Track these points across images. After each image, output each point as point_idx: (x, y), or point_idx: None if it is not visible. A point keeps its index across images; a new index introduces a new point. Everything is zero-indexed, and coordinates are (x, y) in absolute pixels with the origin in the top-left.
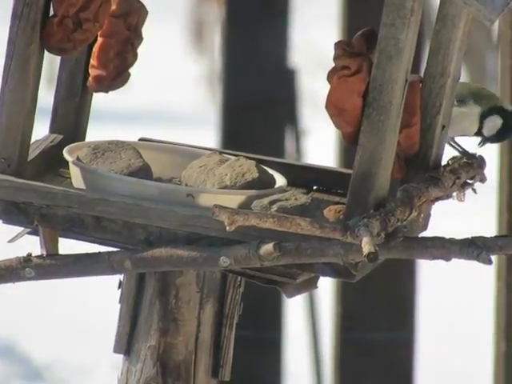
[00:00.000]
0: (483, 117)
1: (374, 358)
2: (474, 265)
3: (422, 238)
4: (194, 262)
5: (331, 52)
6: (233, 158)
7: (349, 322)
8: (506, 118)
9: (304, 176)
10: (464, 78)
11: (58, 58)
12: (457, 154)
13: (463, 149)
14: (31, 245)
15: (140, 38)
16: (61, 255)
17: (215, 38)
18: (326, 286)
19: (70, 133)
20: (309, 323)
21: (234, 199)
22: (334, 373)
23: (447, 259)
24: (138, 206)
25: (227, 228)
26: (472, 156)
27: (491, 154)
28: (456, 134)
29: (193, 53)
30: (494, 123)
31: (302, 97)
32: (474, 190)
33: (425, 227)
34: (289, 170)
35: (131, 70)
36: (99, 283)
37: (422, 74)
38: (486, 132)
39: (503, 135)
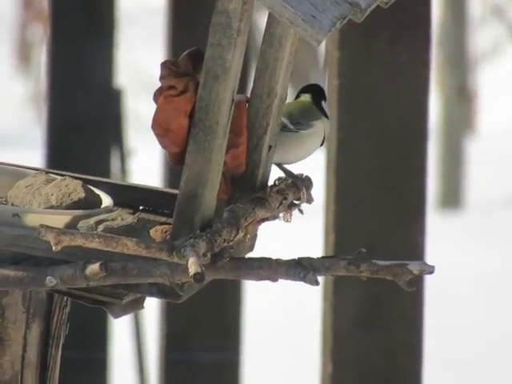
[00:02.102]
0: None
1: (200, 379)
2: (301, 285)
3: (249, 258)
4: (20, 282)
5: (156, 73)
6: (59, 177)
7: (175, 342)
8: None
9: (130, 196)
10: (290, 98)
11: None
12: (283, 174)
13: (289, 170)
14: None
15: None
16: None
17: (41, 59)
18: (153, 306)
19: None
20: (135, 344)
21: (60, 219)
22: None
23: (274, 280)
24: None
25: (53, 248)
26: (298, 177)
27: (318, 174)
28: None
29: (19, 73)
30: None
31: (128, 117)
32: (301, 211)
33: (251, 248)
34: (115, 190)
35: None
36: None
37: (248, 94)
38: None
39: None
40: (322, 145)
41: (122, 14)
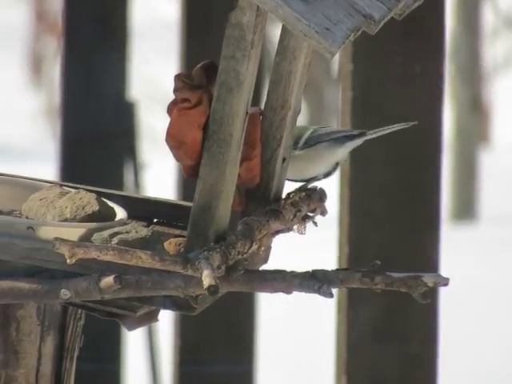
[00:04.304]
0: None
1: None
2: (315, 298)
3: (263, 271)
4: (35, 295)
5: (170, 85)
6: (73, 190)
7: (188, 354)
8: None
9: (144, 209)
10: (303, 110)
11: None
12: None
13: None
14: None
15: None
16: None
17: (54, 72)
18: (166, 319)
19: None
20: (149, 356)
21: (74, 232)
22: None
23: (288, 292)
24: None
25: (68, 261)
26: (312, 189)
27: (331, 187)
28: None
29: (31, 86)
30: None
31: (141, 130)
32: (315, 223)
33: (266, 260)
34: (129, 203)
35: None
36: None
37: (262, 107)
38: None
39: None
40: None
41: (136, 27)
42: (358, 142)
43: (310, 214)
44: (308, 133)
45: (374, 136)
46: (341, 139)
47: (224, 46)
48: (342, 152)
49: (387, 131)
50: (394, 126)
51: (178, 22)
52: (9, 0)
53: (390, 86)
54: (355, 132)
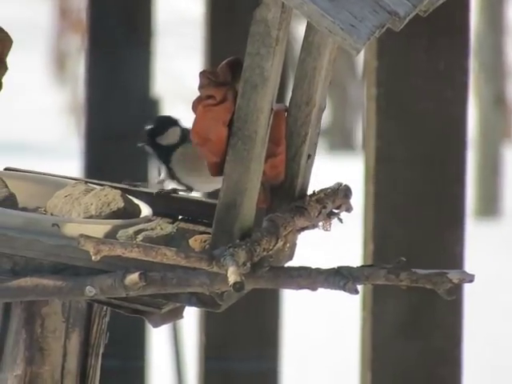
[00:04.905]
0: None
1: None
2: (339, 294)
3: (289, 267)
4: (60, 292)
5: (194, 82)
6: (98, 187)
7: (213, 351)
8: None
9: (169, 206)
10: (327, 107)
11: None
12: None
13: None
14: None
15: (5, 68)
16: None
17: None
18: (191, 315)
19: None
20: (173, 352)
21: (99, 229)
22: None
23: (313, 289)
24: (3, 236)
25: (93, 258)
26: (337, 186)
27: (356, 183)
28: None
29: (55, 84)
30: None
31: None
32: (340, 220)
33: (291, 257)
34: (154, 200)
35: None
36: None
37: (287, 103)
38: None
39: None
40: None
41: (160, 24)
42: None
43: (335, 211)
44: None
45: None
46: None
47: (249, 42)
48: None
49: None
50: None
51: (202, 19)
52: None
53: (415, 82)
54: None
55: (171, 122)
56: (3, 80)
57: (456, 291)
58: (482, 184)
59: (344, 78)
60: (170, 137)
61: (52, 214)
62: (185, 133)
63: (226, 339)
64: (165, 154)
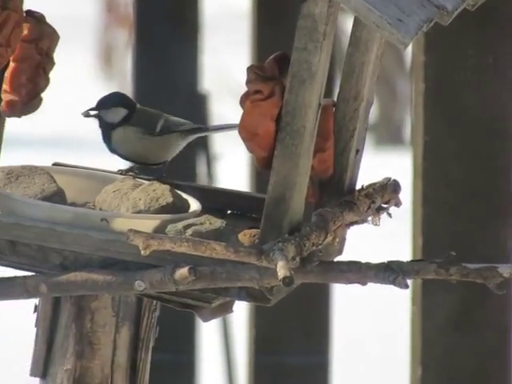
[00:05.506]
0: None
1: (288, 382)
2: (389, 289)
3: (338, 262)
4: (109, 287)
5: (241, 77)
6: (146, 182)
7: (263, 345)
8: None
9: (218, 200)
10: (375, 102)
11: None
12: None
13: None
14: None
15: (52, 63)
16: None
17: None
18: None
19: None
20: (223, 347)
21: (148, 224)
22: None
23: (363, 283)
24: (52, 231)
25: (142, 252)
26: (386, 180)
27: (405, 178)
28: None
29: (102, 78)
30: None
31: (213, 122)
32: (389, 215)
33: (340, 251)
34: (203, 195)
35: (43, 95)
36: (15, 307)
37: (335, 98)
38: (111, 119)
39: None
40: None
41: (207, 19)
42: (195, 136)
43: (384, 206)
44: (162, 120)
45: (213, 132)
46: (185, 132)
47: (296, 37)
48: (184, 143)
49: (226, 130)
50: (232, 124)
51: (249, 14)
52: None
53: (463, 76)
54: (195, 126)
55: (119, 101)
56: (50, 75)
57: (507, 285)
58: None
59: (392, 73)
60: (112, 115)
61: (101, 209)
62: (131, 116)
63: (276, 333)
64: (109, 129)
